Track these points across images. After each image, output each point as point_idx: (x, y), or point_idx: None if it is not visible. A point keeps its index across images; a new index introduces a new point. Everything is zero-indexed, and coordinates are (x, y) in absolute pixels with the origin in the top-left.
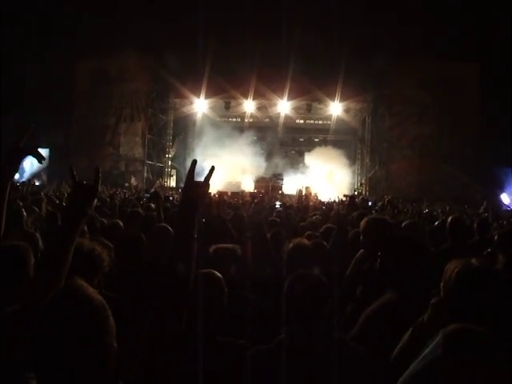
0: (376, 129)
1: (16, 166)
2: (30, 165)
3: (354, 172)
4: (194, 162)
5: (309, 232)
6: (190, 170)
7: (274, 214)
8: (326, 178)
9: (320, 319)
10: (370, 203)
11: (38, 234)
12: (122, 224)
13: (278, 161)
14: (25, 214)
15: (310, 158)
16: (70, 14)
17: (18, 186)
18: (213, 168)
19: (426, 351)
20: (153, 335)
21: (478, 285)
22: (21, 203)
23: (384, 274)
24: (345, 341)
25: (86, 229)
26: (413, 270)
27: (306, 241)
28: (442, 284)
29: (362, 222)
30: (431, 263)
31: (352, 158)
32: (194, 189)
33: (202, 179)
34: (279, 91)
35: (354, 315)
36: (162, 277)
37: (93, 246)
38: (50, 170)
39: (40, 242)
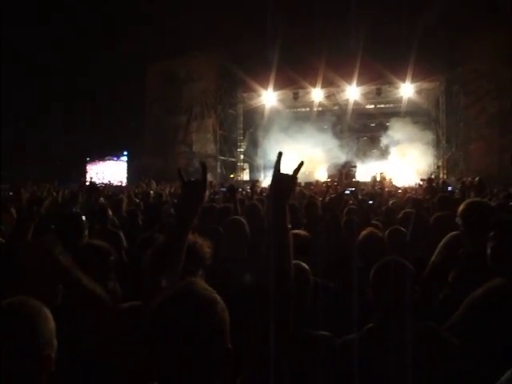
0: (451, 109)
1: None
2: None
3: (429, 155)
4: (280, 154)
5: (377, 219)
6: (276, 163)
7: (350, 202)
8: (400, 162)
9: (408, 307)
10: (449, 187)
11: (121, 233)
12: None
13: (350, 148)
14: (110, 213)
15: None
16: (139, 16)
17: (99, 188)
18: (302, 163)
19: None
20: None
21: None
22: (105, 202)
23: (497, 259)
24: (437, 331)
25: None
26: None
27: (377, 230)
28: None
29: (463, 206)
30: None
31: (428, 141)
32: (283, 181)
33: (271, 172)
34: (348, 77)
35: (446, 302)
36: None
37: (195, 240)
38: (128, 170)
39: (124, 241)
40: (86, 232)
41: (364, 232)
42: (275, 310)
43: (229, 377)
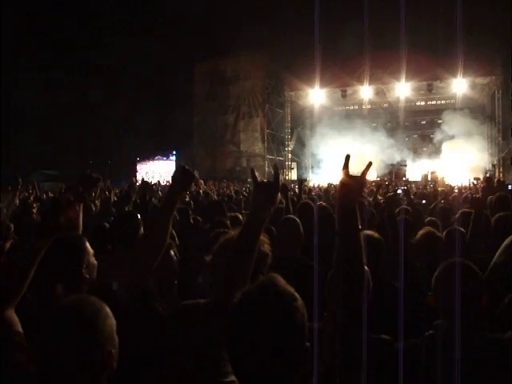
0: (508, 103)
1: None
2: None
3: (484, 152)
4: (348, 157)
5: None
6: (344, 165)
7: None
8: (453, 160)
9: (473, 314)
10: (510, 186)
11: (173, 231)
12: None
13: (400, 146)
14: None
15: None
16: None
17: (152, 186)
18: (370, 163)
19: None
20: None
21: None
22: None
23: None
24: (505, 342)
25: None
26: None
27: (434, 230)
28: None
29: None
30: None
31: (483, 138)
32: (352, 182)
33: (322, 170)
34: (396, 73)
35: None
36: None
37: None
38: None
39: (176, 239)
40: (142, 230)
41: (421, 231)
42: (346, 313)
43: (305, 377)
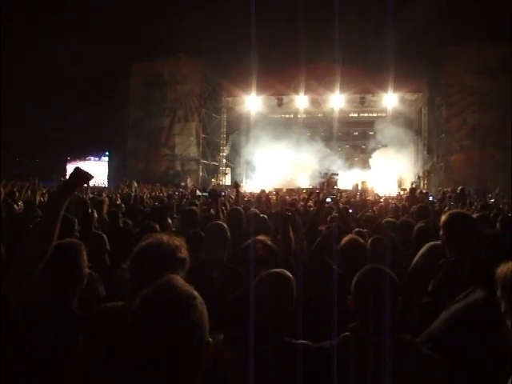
0: (433, 119)
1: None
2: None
3: (412, 164)
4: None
5: (357, 229)
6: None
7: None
8: (383, 171)
9: (389, 317)
10: (430, 198)
11: (104, 235)
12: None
13: (334, 156)
14: (96, 215)
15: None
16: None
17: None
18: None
19: None
20: None
21: None
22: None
23: (477, 273)
24: (417, 345)
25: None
26: None
27: (359, 237)
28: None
29: (445, 217)
30: None
31: (410, 151)
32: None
33: (256, 176)
34: (330, 85)
35: (425, 311)
36: None
37: (172, 241)
38: (110, 172)
39: (107, 244)
40: (77, 233)
41: (346, 238)
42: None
43: (209, 370)
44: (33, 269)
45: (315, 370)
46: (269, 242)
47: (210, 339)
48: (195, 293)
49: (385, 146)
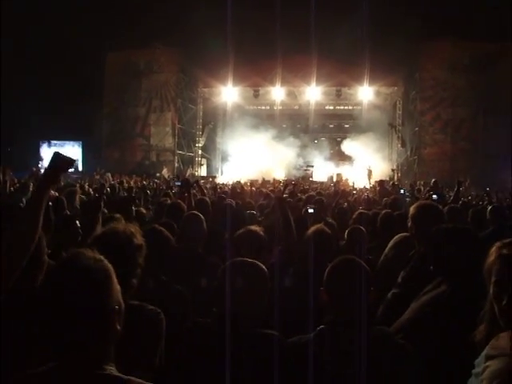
0: (407, 113)
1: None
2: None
3: (387, 158)
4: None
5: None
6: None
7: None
8: (359, 163)
9: (363, 309)
10: (402, 191)
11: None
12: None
13: (308, 148)
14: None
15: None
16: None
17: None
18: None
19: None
20: None
21: None
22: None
23: (441, 265)
24: (391, 336)
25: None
26: (472, 262)
27: (327, 228)
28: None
29: (413, 208)
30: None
31: (384, 144)
32: None
33: (231, 168)
34: (307, 77)
35: (395, 302)
36: None
37: (128, 229)
38: (84, 161)
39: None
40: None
41: (312, 228)
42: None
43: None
44: (19, 259)
45: (291, 366)
46: (261, 233)
47: (117, 307)
48: (100, 257)
49: (359, 135)
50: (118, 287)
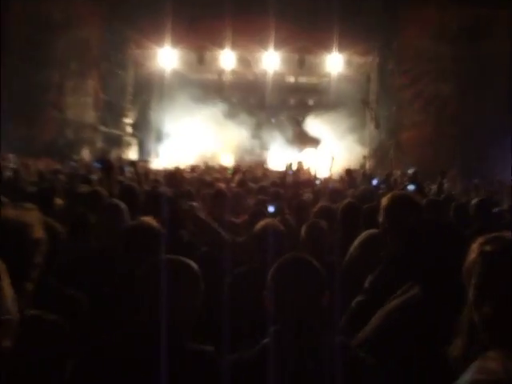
0: (383, 89)
1: None
2: None
3: (358, 142)
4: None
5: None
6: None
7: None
8: (323, 150)
9: (315, 317)
10: (374, 181)
11: None
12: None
13: (264, 128)
14: None
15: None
16: None
17: None
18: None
19: None
20: None
21: None
22: None
23: (416, 266)
24: (350, 348)
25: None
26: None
27: (274, 223)
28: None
29: (386, 198)
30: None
31: (355, 126)
32: None
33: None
34: (263, 41)
35: (361, 310)
36: None
37: (22, 219)
38: None
39: None
40: None
41: (261, 223)
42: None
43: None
44: None
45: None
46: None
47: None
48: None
49: (325, 113)
50: (7, 292)
